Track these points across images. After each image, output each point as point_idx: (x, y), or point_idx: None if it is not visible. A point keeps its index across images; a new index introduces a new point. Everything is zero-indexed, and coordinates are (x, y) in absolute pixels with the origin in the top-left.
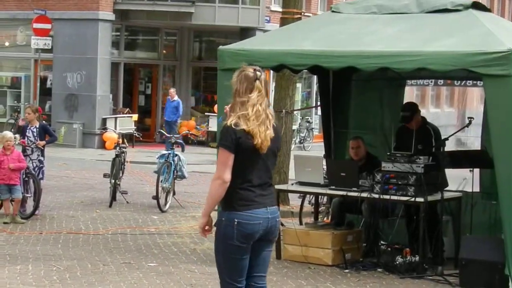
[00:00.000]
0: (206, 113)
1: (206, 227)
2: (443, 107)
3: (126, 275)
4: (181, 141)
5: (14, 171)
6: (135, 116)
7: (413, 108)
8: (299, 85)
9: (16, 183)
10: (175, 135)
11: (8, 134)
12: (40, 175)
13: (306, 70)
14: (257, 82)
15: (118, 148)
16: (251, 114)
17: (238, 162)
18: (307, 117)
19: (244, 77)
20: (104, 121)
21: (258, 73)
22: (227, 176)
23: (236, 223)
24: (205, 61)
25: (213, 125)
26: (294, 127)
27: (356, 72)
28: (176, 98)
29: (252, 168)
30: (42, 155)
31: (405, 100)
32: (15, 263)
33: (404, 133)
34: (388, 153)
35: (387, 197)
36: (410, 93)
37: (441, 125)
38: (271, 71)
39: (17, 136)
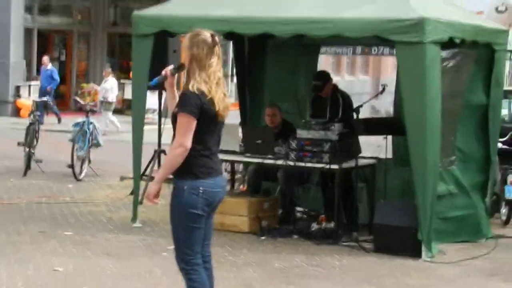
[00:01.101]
0: (121, 80)
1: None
2: (358, 75)
3: (42, 244)
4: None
5: None
6: None
7: (324, 77)
8: None
9: None
10: (90, 103)
11: None
12: None
13: (221, 37)
14: (216, 47)
15: (32, 116)
16: (212, 80)
17: (199, 128)
18: None
19: (202, 42)
20: (17, 88)
21: (216, 38)
22: (189, 143)
23: (201, 191)
24: (121, 27)
25: (128, 93)
26: None
27: (271, 38)
28: (49, 66)
29: (210, 135)
30: None
31: (321, 68)
32: None
33: (317, 101)
34: (303, 121)
35: (302, 164)
36: (326, 61)
37: (355, 93)
38: None
39: None
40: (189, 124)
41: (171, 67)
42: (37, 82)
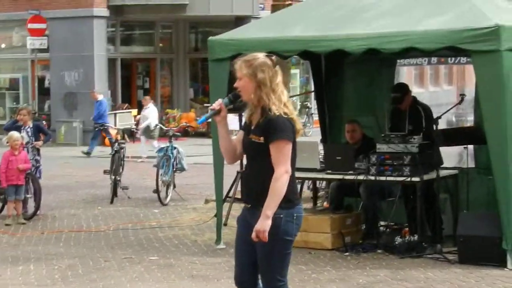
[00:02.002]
0: (205, 104)
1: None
2: (442, 85)
3: (128, 270)
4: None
5: (22, 171)
6: (134, 111)
7: (403, 89)
8: (297, 71)
9: (23, 183)
10: (172, 128)
11: (15, 134)
12: (38, 174)
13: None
14: (277, 67)
15: (117, 144)
16: (287, 101)
17: (291, 153)
18: (306, 103)
19: (264, 65)
20: None
21: (274, 58)
22: (290, 169)
23: (295, 217)
24: (202, 52)
25: None
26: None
27: (347, 55)
28: (100, 97)
29: (294, 157)
30: (38, 154)
31: (403, 80)
32: (17, 264)
33: (397, 114)
34: (383, 135)
35: (383, 178)
36: (408, 73)
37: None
38: None
39: (24, 135)
40: (288, 150)
41: (221, 100)
42: (122, 110)
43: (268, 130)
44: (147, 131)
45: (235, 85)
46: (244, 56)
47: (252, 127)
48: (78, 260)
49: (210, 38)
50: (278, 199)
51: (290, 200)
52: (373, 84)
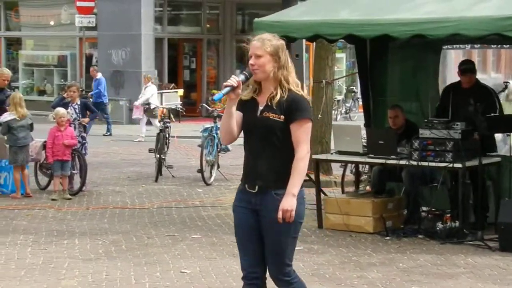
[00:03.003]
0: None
1: None
2: (490, 72)
3: (170, 247)
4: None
5: (67, 147)
6: (180, 91)
7: (471, 63)
8: (343, 55)
9: (69, 159)
10: (217, 109)
11: (61, 110)
12: (84, 151)
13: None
14: (287, 51)
15: (162, 123)
16: (299, 83)
17: None
18: (352, 87)
19: (283, 47)
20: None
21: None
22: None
23: (304, 199)
24: (249, 33)
25: None
26: (339, 97)
27: (392, 40)
28: (99, 76)
29: None
30: (85, 131)
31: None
32: (62, 238)
33: (458, 92)
34: (426, 120)
35: (425, 163)
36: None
37: None
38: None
39: (69, 111)
40: (310, 130)
41: (237, 77)
42: (169, 90)
43: (292, 109)
44: (149, 111)
45: (251, 62)
46: (261, 35)
47: (262, 106)
48: (121, 236)
49: (256, 19)
50: (301, 178)
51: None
52: (418, 70)
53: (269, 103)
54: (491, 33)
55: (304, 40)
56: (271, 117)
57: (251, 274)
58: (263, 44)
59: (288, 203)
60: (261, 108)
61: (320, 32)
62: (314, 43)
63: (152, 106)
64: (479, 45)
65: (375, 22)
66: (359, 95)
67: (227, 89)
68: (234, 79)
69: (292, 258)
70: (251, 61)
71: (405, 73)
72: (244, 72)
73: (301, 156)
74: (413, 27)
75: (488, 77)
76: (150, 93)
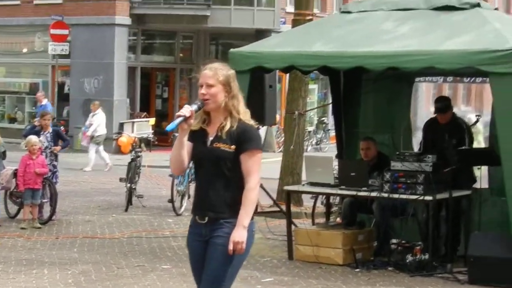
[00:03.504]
0: None
1: None
2: (460, 106)
3: (140, 278)
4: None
5: (39, 175)
6: (152, 120)
7: (447, 101)
8: (315, 86)
9: (40, 188)
10: None
11: (33, 138)
12: (54, 180)
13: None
14: (236, 81)
15: (133, 152)
16: (248, 113)
17: None
18: (323, 118)
19: (235, 75)
20: (121, 125)
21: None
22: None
23: (253, 232)
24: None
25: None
26: (310, 128)
27: (366, 72)
28: (44, 102)
29: None
30: (56, 160)
31: (421, 98)
32: (31, 267)
33: (435, 127)
34: (397, 153)
35: (396, 196)
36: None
37: None
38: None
39: (41, 139)
40: (260, 160)
41: (190, 107)
42: (140, 119)
43: (242, 139)
44: (94, 138)
45: (203, 91)
46: (212, 64)
47: (212, 137)
48: (91, 266)
49: (232, 50)
50: (252, 209)
51: (251, 214)
52: (391, 101)
53: (219, 134)
54: (464, 66)
55: (277, 71)
56: (221, 148)
57: None
58: (216, 73)
59: (239, 234)
60: (211, 138)
61: (295, 63)
62: (287, 74)
63: (96, 134)
64: (451, 78)
65: (350, 55)
66: (330, 126)
67: (180, 119)
68: (187, 109)
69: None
70: (202, 91)
71: (378, 104)
72: (196, 102)
73: (251, 186)
74: (387, 59)
75: (458, 110)
76: (97, 121)
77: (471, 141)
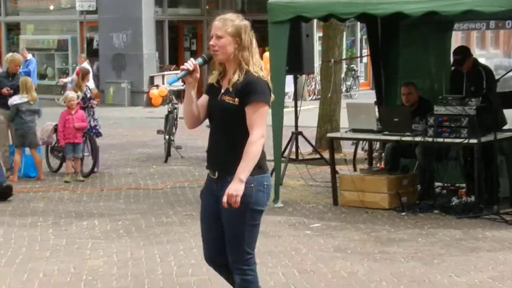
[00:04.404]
0: None
1: None
2: (489, 49)
3: (190, 226)
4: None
5: (78, 130)
6: None
7: (464, 51)
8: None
9: (80, 142)
10: None
11: (70, 94)
12: (96, 133)
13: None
14: (252, 31)
15: (170, 104)
16: (262, 65)
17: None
18: (352, 65)
19: (247, 27)
20: (151, 79)
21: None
22: (266, 133)
23: (265, 186)
24: (248, 14)
25: None
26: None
27: (403, 18)
28: (29, 57)
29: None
30: (94, 113)
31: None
32: (81, 219)
33: (457, 77)
34: (440, 97)
35: (440, 140)
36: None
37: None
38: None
39: (80, 94)
40: (266, 113)
41: (194, 60)
42: (170, 72)
43: (246, 91)
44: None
45: (212, 42)
46: (224, 15)
47: (223, 89)
48: (140, 216)
49: (270, 0)
50: (252, 163)
51: (261, 167)
52: (429, 48)
53: (228, 86)
54: (506, 9)
55: (314, 20)
56: (226, 100)
57: (214, 262)
58: (225, 24)
59: (234, 187)
60: (222, 91)
61: (333, 12)
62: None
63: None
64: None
65: (388, 0)
66: (359, 73)
67: (183, 72)
68: (191, 62)
69: (254, 247)
70: (211, 42)
71: (417, 51)
72: (202, 55)
73: (253, 140)
74: (426, 4)
75: (487, 53)
76: None
77: (491, 86)
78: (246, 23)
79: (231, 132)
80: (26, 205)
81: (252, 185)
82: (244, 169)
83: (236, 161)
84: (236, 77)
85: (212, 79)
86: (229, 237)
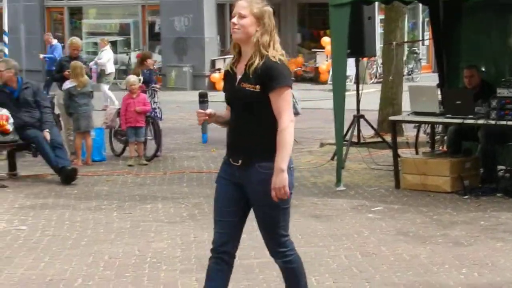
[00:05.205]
0: (312, 50)
1: None
2: None
3: None
4: None
5: (140, 114)
6: None
7: None
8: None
9: (142, 125)
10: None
11: (132, 78)
12: (159, 116)
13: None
14: (274, 19)
15: None
16: (282, 51)
17: None
18: (414, 48)
19: (271, 13)
20: (213, 62)
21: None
22: (293, 117)
23: (291, 169)
24: None
25: (320, 61)
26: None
27: (466, 0)
28: (54, 42)
29: None
30: (156, 97)
31: None
32: (145, 202)
33: None
34: (503, 79)
35: (503, 122)
36: None
37: None
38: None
39: (141, 78)
40: (290, 97)
41: (204, 110)
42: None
43: (268, 77)
44: (102, 75)
45: (234, 21)
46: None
47: (240, 75)
48: (203, 200)
49: None
50: (289, 150)
51: None
52: (492, 31)
53: (247, 72)
54: None
55: (376, 3)
56: (247, 88)
57: (221, 248)
58: (250, 5)
59: (279, 180)
60: (239, 77)
61: None
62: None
63: (107, 72)
64: None
65: None
66: (421, 56)
67: (204, 124)
68: (203, 114)
69: (288, 228)
70: (233, 20)
71: (479, 33)
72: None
73: (284, 126)
74: None
75: None
76: (106, 57)
77: None
78: (271, 9)
79: (255, 119)
80: (91, 189)
81: None
82: (283, 158)
83: (262, 147)
84: (256, 62)
85: (227, 66)
86: (265, 224)
